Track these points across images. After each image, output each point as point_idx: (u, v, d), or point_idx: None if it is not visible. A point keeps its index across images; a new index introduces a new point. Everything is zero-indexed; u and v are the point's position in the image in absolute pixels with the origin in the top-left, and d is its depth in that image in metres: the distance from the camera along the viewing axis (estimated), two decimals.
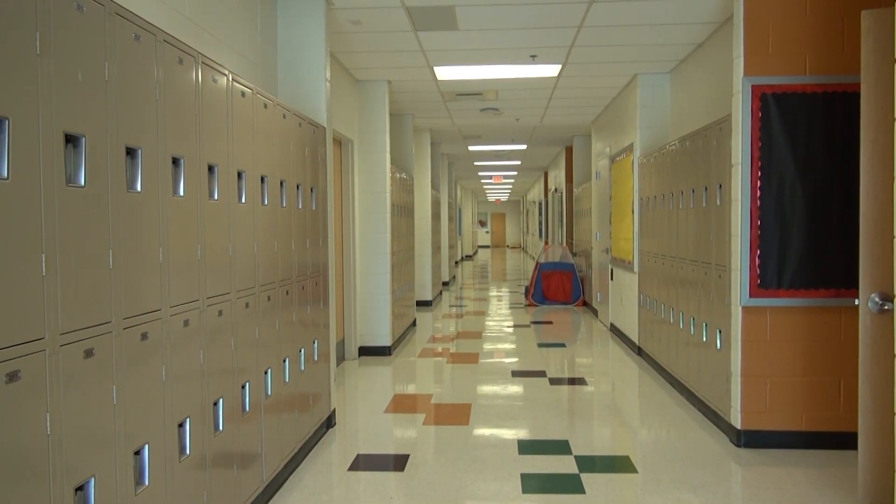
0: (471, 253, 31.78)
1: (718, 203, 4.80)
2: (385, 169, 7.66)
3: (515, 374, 6.66)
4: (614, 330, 8.95)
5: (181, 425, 2.63)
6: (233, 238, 3.15)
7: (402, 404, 5.63)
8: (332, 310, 5.88)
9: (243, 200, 3.29)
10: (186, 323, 2.66)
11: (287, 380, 3.91)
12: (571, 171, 13.67)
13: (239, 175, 3.25)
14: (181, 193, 2.65)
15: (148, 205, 2.40)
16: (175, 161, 2.62)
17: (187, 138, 2.71)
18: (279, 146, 3.82)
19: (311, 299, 4.46)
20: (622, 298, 8.40)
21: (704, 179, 5.11)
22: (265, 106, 3.61)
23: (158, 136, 2.47)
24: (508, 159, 17.34)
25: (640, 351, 7.45)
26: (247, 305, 3.30)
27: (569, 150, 13.97)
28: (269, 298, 3.61)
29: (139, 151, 2.34)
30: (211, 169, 2.94)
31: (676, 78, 7.16)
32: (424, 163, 11.88)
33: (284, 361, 3.88)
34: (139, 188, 2.35)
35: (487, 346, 8.22)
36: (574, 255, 12.65)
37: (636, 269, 7.53)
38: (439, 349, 8.08)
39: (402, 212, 8.92)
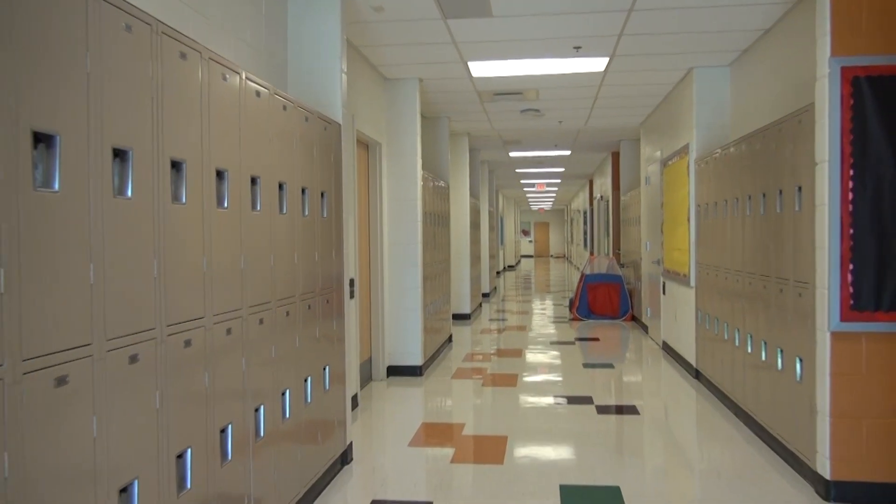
0: (513, 263, 31.04)
1: (797, 209, 4.08)
2: (416, 174, 7.08)
3: (558, 399, 5.99)
4: (667, 349, 8.19)
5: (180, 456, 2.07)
6: (208, 251, 2.58)
7: (431, 435, 5.02)
8: (354, 328, 5.32)
9: (225, 205, 2.73)
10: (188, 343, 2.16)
11: (287, 415, 3.33)
12: (618, 178, 12.93)
13: (219, 175, 2.69)
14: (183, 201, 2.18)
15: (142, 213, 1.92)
16: (175, 165, 2.28)
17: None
18: (277, 142, 3.26)
19: (321, 319, 3.89)
20: (676, 315, 7.65)
21: (777, 181, 4.39)
22: (257, 94, 3.05)
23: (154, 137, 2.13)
24: (551, 166, 16.65)
25: (697, 374, 6.70)
26: (228, 332, 2.73)
27: (615, 156, 13.23)
28: (261, 322, 3.04)
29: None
30: (176, 165, 2.38)
31: (737, 71, 6.43)
32: (462, 169, 11.29)
33: (284, 394, 3.31)
34: (129, 194, 1.82)
35: (528, 366, 7.56)
36: (621, 266, 11.90)
37: (693, 282, 6.79)
38: (476, 369, 7.45)
39: (437, 220, 8.34)
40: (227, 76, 2.76)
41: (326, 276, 4.01)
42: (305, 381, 3.63)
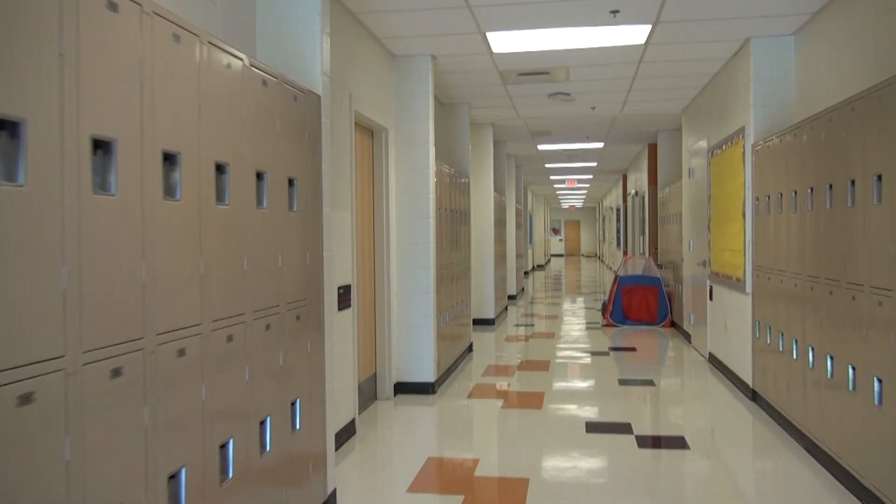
0: (542, 262, 30.04)
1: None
2: (428, 164, 6.22)
3: (591, 427, 5.08)
4: (714, 361, 7.23)
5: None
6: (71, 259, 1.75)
7: (435, 475, 4.16)
8: (351, 343, 4.47)
9: (113, 192, 1.89)
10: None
11: (230, 473, 2.49)
12: (655, 172, 11.94)
13: (99, 145, 1.85)
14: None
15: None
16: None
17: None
18: (213, 108, 2.42)
19: (289, 341, 3.05)
20: (726, 324, 6.69)
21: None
22: (176, 39, 2.20)
23: None
24: (583, 160, 15.68)
25: (754, 395, 5.75)
26: (115, 373, 1.89)
27: (652, 148, 12.24)
28: (181, 354, 2.20)
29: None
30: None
31: (804, 40, 5.45)
32: (486, 162, 10.41)
33: (225, 446, 2.47)
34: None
35: (556, 383, 6.65)
36: (659, 267, 10.91)
37: (749, 288, 5.83)
38: (496, 386, 6.57)
39: (455, 217, 7.47)
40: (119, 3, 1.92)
41: (297, 285, 3.16)
42: (263, 423, 2.79)
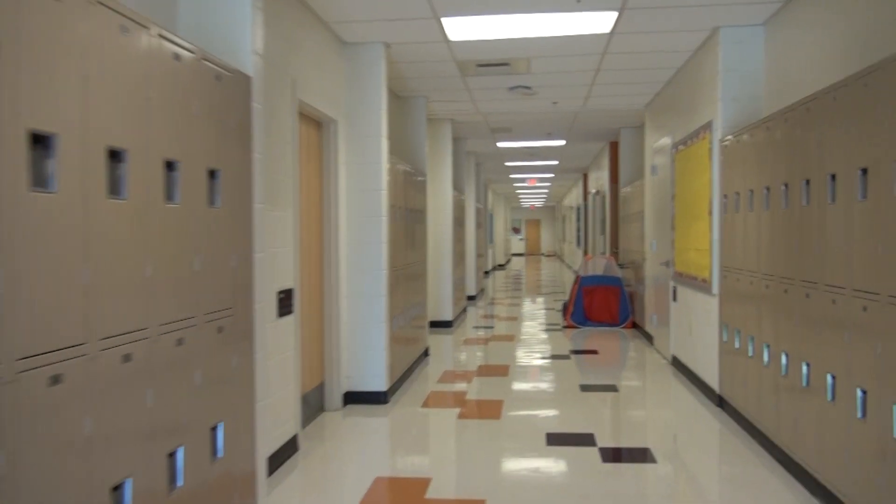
0: (503, 262, 29.84)
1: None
2: (381, 158, 5.84)
3: (552, 439, 4.76)
4: (678, 365, 6.99)
5: None
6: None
7: (384, 498, 3.78)
8: (293, 351, 4.04)
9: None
10: None
11: None
12: (617, 170, 11.73)
13: None
14: None
15: None
16: None
17: None
18: (106, 83, 2.02)
19: (208, 356, 2.65)
20: (691, 327, 6.45)
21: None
22: None
23: None
24: (544, 159, 15.44)
25: (721, 401, 5.50)
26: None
27: (614, 146, 12.02)
28: (54, 382, 1.79)
29: None
30: None
31: (775, 30, 5.22)
32: (444, 159, 10.06)
33: (120, 488, 2.07)
34: None
35: (516, 390, 6.33)
36: (620, 266, 10.69)
37: (715, 290, 5.58)
38: (453, 393, 6.22)
39: (411, 216, 7.10)
40: None
41: (220, 292, 2.76)
42: (172, 455, 2.39)
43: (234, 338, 2.88)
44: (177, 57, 2.44)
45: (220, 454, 2.74)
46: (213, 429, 2.71)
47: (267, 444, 3.65)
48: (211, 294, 2.68)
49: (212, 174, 2.70)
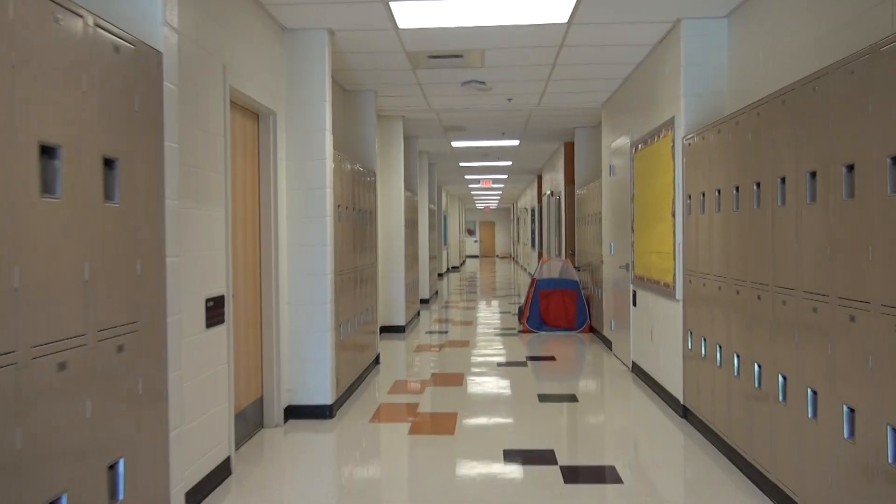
0: (457, 264, 29.54)
1: (890, 192, 2.59)
2: (325, 154, 5.42)
3: (510, 456, 4.41)
4: (638, 371, 6.73)
5: None
6: None
7: None
8: (227, 365, 3.57)
9: None
10: None
11: None
12: (572, 171, 11.48)
13: None
14: None
15: None
16: None
17: None
18: None
19: (105, 381, 2.21)
20: (653, 333, 6.18)
21: (842, 153, 2.89)
22: None
23: None
24: (498, 159, 15.16)
25: (685, 412, 5.23)
26: None
27: (569, 146, 11.78)
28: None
29: None
30: None
31: (738, 23, 4.97)
32: (395, 158, 9.67)
33: None
34: None
35: (470, 400, 5.97)
36: (577, 269, 10.44)
37: (679, 295, 5.32)
38: (405, 405, 5.83)
39: (360, 217, 6.70)
40: None
41: (120, 304, 2.33)
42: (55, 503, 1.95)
43: (139, 357, 2.45)
44: (57, 20, 2.01)
45: (121, 496, 2.31)
46: (112, 466, 2.27)
47: (190, 474, 3.22)
48: (108, 307, 2.25)
49: (108, 164, 2.27)
